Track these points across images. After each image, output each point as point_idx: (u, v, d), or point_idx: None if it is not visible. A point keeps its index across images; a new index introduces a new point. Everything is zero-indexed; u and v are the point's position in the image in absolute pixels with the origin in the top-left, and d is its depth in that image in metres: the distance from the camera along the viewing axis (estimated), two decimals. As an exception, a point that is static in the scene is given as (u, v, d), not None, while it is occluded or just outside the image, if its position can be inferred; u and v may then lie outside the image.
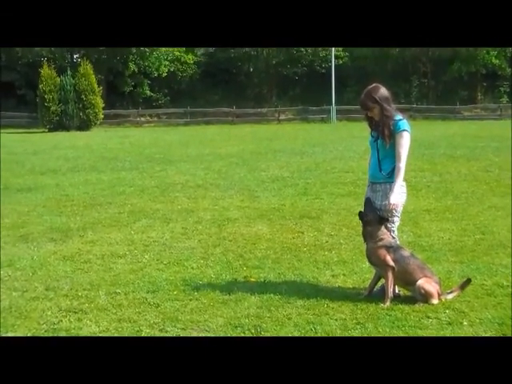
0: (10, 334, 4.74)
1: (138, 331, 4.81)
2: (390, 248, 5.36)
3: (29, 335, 4.72)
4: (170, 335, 4.72)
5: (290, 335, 4.63)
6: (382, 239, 5.37)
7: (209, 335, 4.67)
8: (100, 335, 4.72)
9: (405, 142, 5.34)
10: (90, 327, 4.93)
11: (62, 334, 4.81)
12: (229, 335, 4.68)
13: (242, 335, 4.69)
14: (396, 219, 5.52)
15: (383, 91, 5.42)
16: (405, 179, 5.49)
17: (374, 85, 5.55)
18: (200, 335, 4.68)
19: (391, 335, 4.61)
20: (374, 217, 5.42)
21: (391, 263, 5.31)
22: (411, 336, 4.54)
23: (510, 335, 4.56)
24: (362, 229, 5.57)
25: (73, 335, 4.72)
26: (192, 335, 4.68)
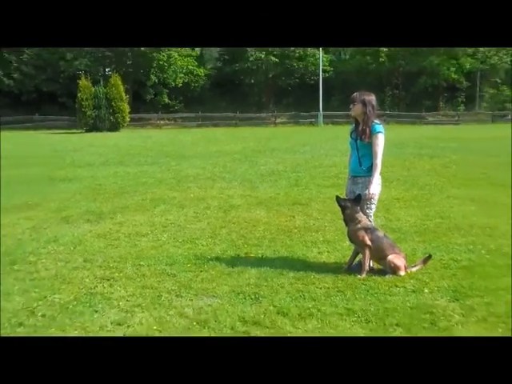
0: (18, 332, 4.13)
1: (158, 296, 4.83)
2: (367, 230, 5.38)
3: (29, 335, 4.03)
4: (177, 336, 3.96)
5: (283, 335, 3.97)
6: (360, 221, 5.38)
7: (209, 335, 3.98)
8: (102, 335, 4.02)
9: (380, 142, 5.34)
10: (120, 292, 4.96)
11: (98, 297, 4.83)
12: (231, 335, 4.02)
13: (246, 330, 4.11)
14: (373, 206, 5.54)
15: (373, 98, 5.45)
16: (380, 173, 5.48)
17: (369, 92, 5.57)
18: (202, 335, 3.96)
19: (366, 301, 4.62)
20: (349, 201, 5.47)
21: (369, 242, 5.33)
22: (411, 336, 3.96)
23: (499, 329, 4.10)
24: (343, 215, 5.58)
25: (75, 336, 3.98)
26: (193, 335, 3.93)
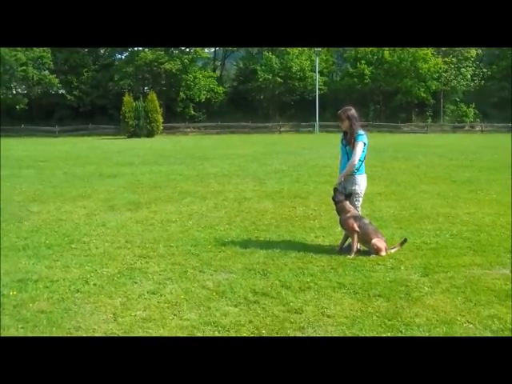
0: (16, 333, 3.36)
1: (185, 271, 4.79)
2: (355, 218, 5.32)
3: (29, 335, 3.39)
4: (177, 336, 3.05)
5: (285, 335, 3.26)
6: (349, 211, 5.33)
7: (210, 335, 3.22)
8: (102, 335, 3.38)
9: (359, 148, 5.34)
10: (154, 268, 4.93)
11: (137, 271, 4.79)
12: (238, 335, 3.32)
13: (247, 335, 3.34)
14: (360, 199, 5.51)
15: (353, 112, 5.42)
16: (366, 172, 5.46)
17: (350, 107, 5.54)
18: (206, 335, 3.31)
19: (354, 277, 4.55)
20: (341, 195, 5.40)
21: (357, 229, 5.27)
22: (411, 336, 3.32)
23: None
24: (335, 207, 5.52)
25: (75, 336, 3.25)
26: (196, 335, 3.21)
